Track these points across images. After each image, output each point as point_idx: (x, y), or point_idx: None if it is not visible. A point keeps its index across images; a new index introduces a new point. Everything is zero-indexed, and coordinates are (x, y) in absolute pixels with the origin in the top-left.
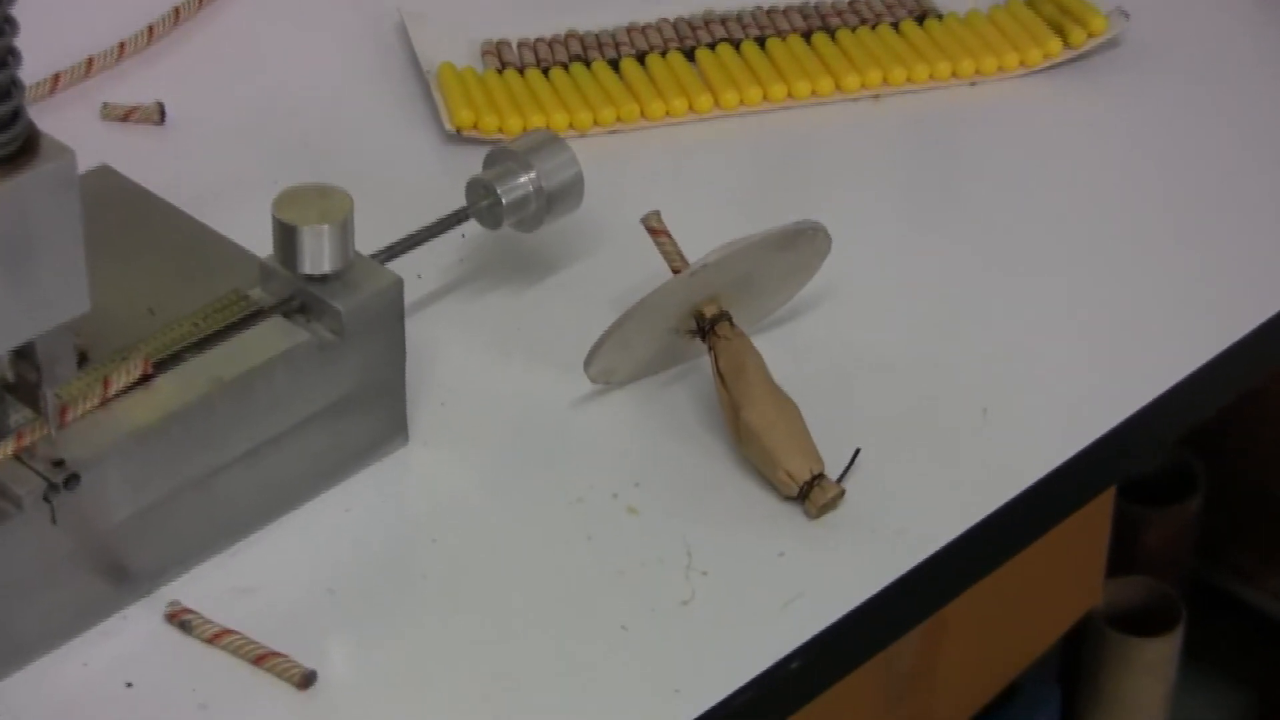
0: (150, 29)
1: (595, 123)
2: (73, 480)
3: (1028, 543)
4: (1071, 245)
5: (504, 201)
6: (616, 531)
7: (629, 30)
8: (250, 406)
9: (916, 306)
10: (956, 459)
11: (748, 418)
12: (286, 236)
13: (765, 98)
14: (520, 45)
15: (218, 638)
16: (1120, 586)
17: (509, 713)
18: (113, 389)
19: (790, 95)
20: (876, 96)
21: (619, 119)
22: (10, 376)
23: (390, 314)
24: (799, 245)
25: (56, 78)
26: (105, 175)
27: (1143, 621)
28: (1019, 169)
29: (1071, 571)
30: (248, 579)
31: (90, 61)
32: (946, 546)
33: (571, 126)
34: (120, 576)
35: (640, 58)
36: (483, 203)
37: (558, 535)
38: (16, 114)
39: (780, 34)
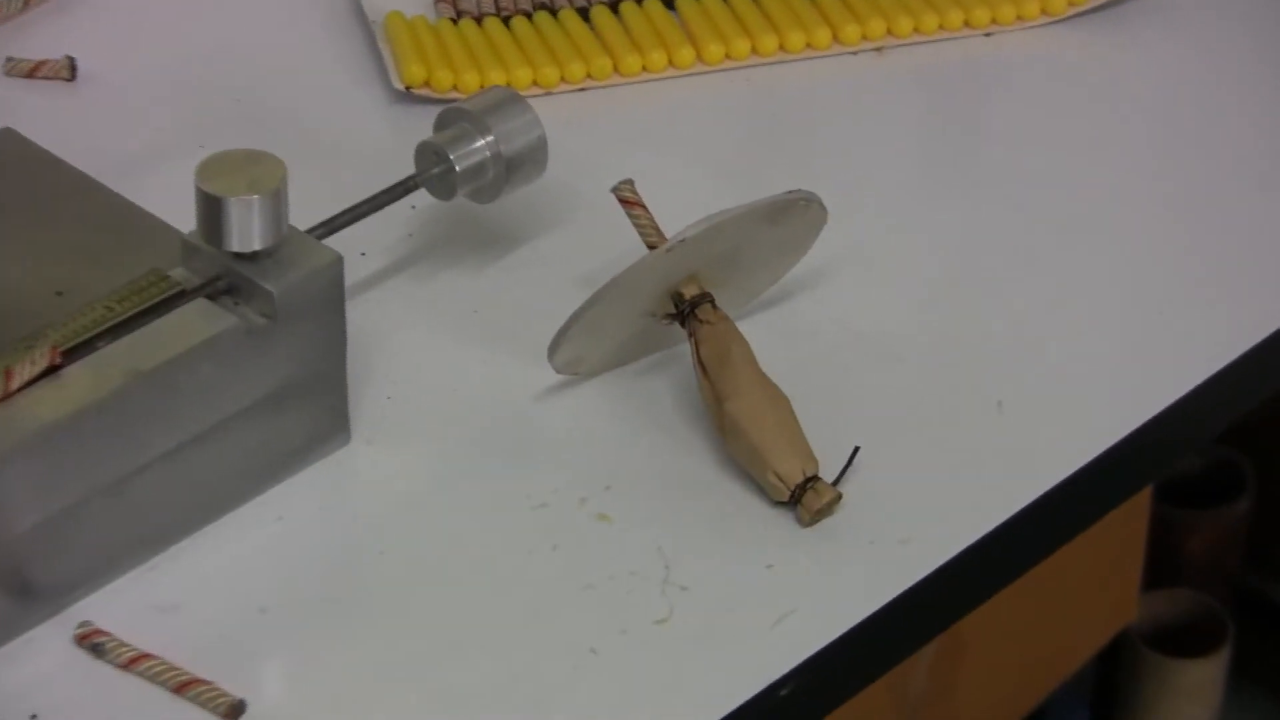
0: None
1: (562, 79)
2: None
3: (1051, 551)
4: (1101, 216)
5: (458, 168)
6: (585, 541)
7: None
8: (171, 401)
9: (923, 286)
10: (969, 458)
11: (733, 412)
12: (212, 209)
13: (754, 51)
14: None
15: (134, 662)
16: (1159, 600)
17: None
18: (16, 381)
19: (782, 48)
20: (879, 49)
21: (589, 75)
22: None
23: (329, 296)
24: (790, 218)
25: None
26: (7, 139)
27: (1185, 639)
28: (1041, 130)
29: (1103, 583)
30: (169, 596)
31: None
32: (957, 557)
33: (535, 84)
34: (24, 593)
35: (614, 6)
36: (434, 170)
37: (519, 545)
38: None
39: None
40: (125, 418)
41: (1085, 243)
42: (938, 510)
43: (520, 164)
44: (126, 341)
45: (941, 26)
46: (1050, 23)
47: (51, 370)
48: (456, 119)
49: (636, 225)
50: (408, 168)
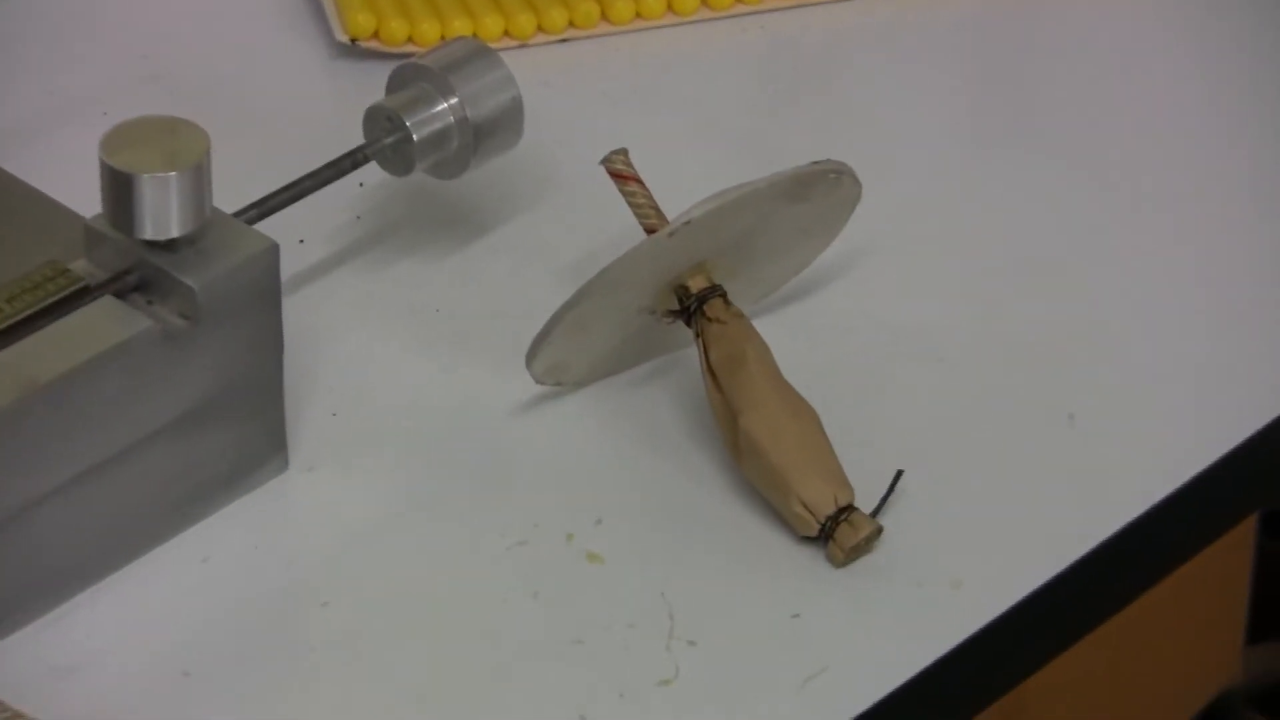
0: None
1: (540, 29)
2: None
3: (1135, 596)
4: (1191, 191)
5: (416, 138)
6: (572, 586)
7: None
8: (74, 418)
9: (977, 273)
10: (1034, 482)
11: (750, 428)
12: (120, 188)
13: None
14: None
15: None
16: (1266, 655)
17: None
18: None
19: None
20: None
21: (571, 23)
22: None
23: (262, 292)
24: (816, 194)
25: None
26: None
27: None
28: (1119, 82)
29: (1199, 635)
30: (71, 655)
31: None
32: (1022, 603)
33: (508, 34)
34: None
35: None
36: (387, 140)
37: (492, 592)
38: None
39: None
40: (19, 438)
41: (1171, 222)
42: (997, 546)
43: (491, 131)
44: (18, 348)
45: None
46: None
47: None
48: (413, 78)
49: (631, 204)
50: (355, 137)
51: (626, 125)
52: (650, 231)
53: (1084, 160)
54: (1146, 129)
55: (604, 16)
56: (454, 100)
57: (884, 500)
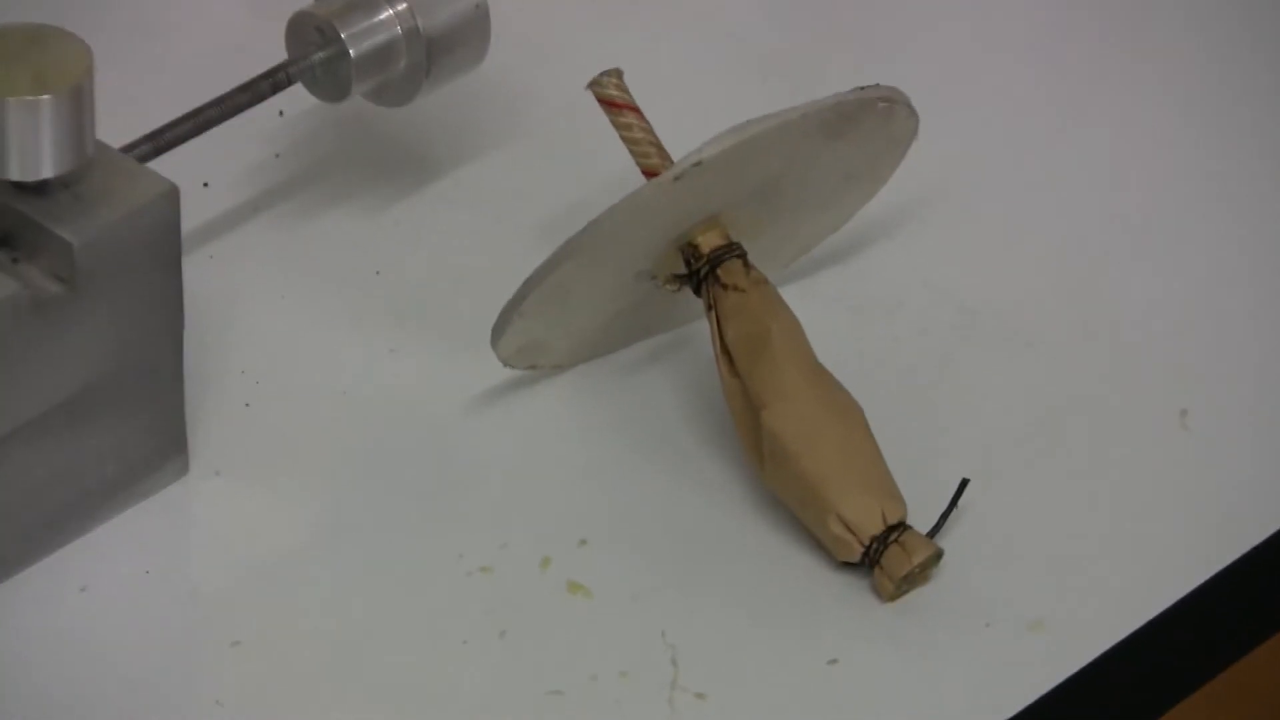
0: None
1: None
2: None
3: (1259, 641)
4: None
5: (353, 53)
6: (550, 624)
7: None
8: None
9: (1062, 235)
10: (1135, 497)
11: (775, 426)
12: None
13: None
14: None
15: None
16: None
17: None
18: None
19: None
20: None
21: None
22: None
23: (157, 249)
24: (861, 129)
25: None
26: None
27: None
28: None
29: None
30: None
31: None
32: (1116, 649)
33: None
34: None
35: None
36: (316, 56)
37: (449, 630)
38: None
39: None
40: None
41: None
42: (1087, 578)
43: (448, 47)
44: None
45: None
46: None
47: None
48: None
49: (626, 139)
50: (276, 54)
51: (619, 40)
52: (650, 175)
53: (1195, 102)
54: (1265, 73)
55: None
56: (401, 6)
57: (944, 517)
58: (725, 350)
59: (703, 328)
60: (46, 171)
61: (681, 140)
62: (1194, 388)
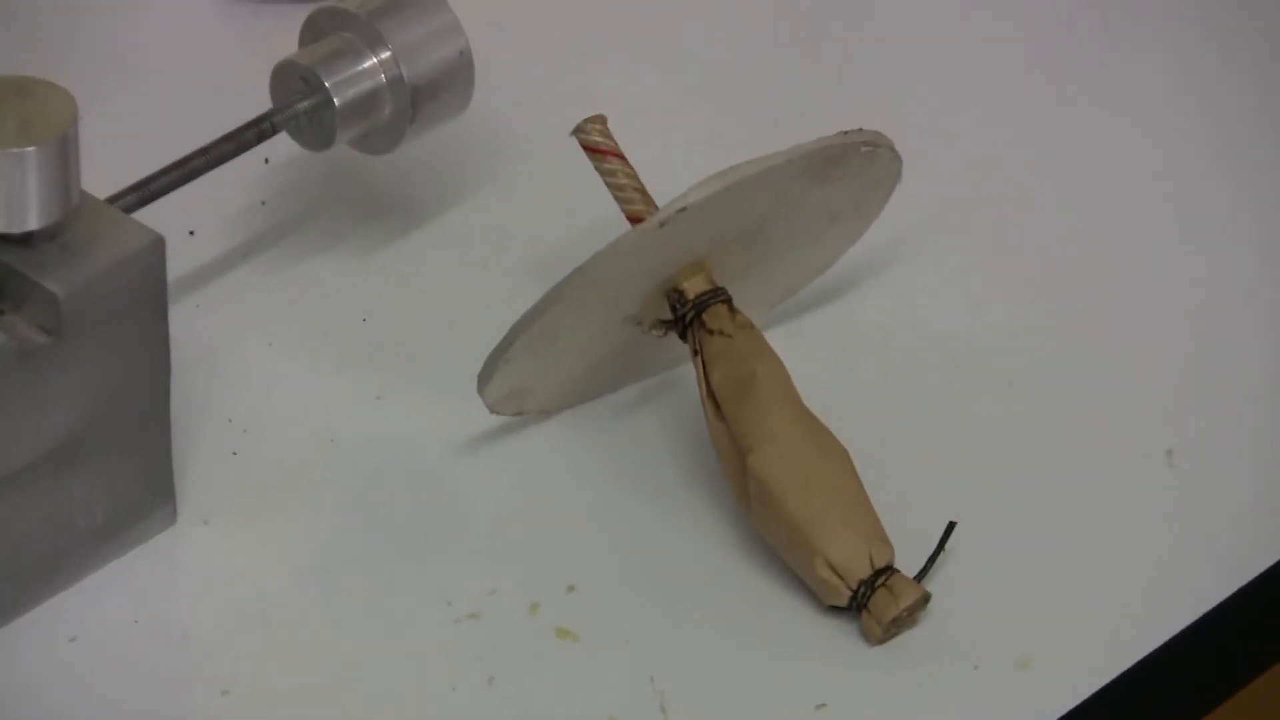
0: None
1: None
2: None
3: (1249, 680)
4: None
5: (337, 102)
6: (538, 669)
7: None
8: None
9: (1049, 274)
10: (1122, 536)
11: (761, 469)
12: None
13: None
14: None
15: None
16: None
17: None
18: None
19: None
20: None
21: None
22: None
23: (142, 298)
24: (846, 172)
25: None
26: None
27: None
28: (1235, 21)
29: None
30: None
31: None
32: (1103, 691)
33: None
34: None
35: None
36: (301, 104)
37: (437, 677)
38: None
39: None
40: None
41: None
42: (1075, 618)
43: (432, 94)
44: None
45: None
46: None
47: None
48: (334, 24)
49: (611, 185)
50: (262, 102)
51: (602, 85)
52: (635, 220)
53: (1180, 131)
54: (1268, 88)
55: None
56: (385, 54)
57: (932, 560)
58: (711, 394)
59: (690, 371)
60: (32, 223)
61: (665, 179)
62: (1180, 427)
